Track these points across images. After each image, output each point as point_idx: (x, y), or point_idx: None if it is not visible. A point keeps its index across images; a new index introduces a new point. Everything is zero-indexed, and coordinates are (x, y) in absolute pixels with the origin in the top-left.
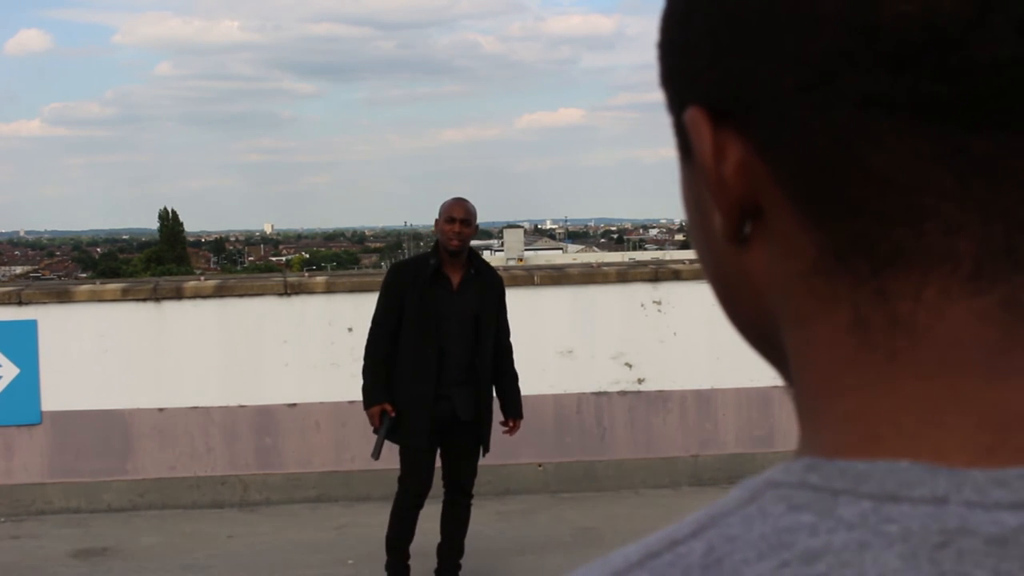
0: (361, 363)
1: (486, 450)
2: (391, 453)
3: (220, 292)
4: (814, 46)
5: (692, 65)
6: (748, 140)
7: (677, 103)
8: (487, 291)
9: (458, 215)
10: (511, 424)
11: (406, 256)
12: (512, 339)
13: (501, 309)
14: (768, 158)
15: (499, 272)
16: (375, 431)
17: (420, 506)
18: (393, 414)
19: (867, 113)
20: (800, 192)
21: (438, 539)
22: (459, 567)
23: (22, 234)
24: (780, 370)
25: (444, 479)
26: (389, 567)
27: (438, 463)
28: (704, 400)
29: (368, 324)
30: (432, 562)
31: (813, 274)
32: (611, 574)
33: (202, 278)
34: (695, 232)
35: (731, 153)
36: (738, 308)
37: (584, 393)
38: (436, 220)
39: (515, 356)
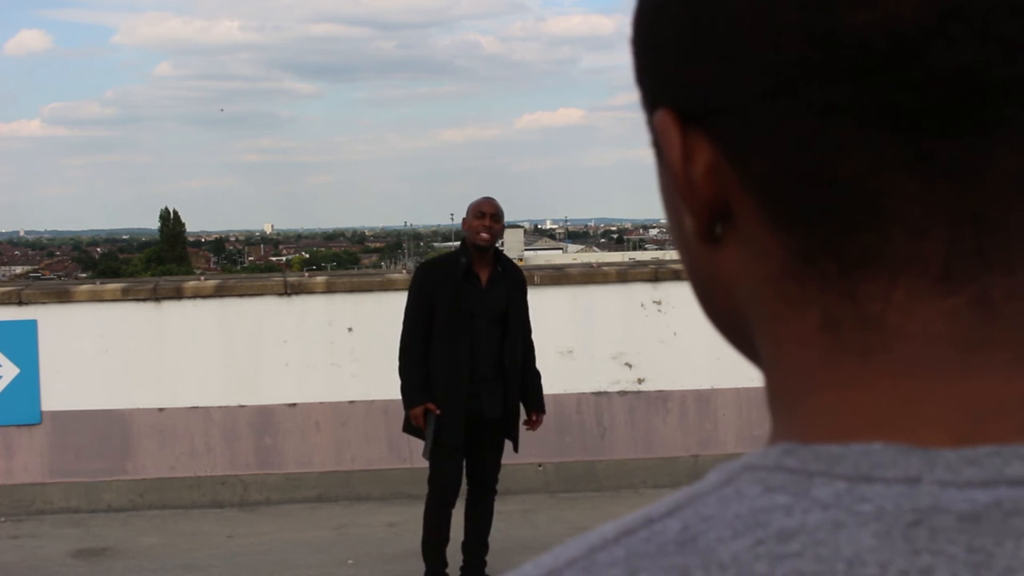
0: (359, 364)
1: (515, 447)
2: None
3: (220, 292)
4: (776, 55)
5: (660, 68)
6: (716, 144)
7: (649, 102)
8: (514, 288)
9: (488, 210)
10: (535, 418)
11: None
12: None
13: (526, 307)
14: (735, 163)
15: None
16: (414, 431)
17: (452, 504)
18: (438, 412)
19: (830, 121)
20: (767, 197)
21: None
22: (485, 563)
23: (22, 234)
24: (756, 364)
25: (468, 475)
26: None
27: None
28: (704, 400)
29: (368, 325)
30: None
31: (782, 276)
32: (587, 550)
33: (202, 278)
34: (672, 229)
35: (700, 156)
36: (713, 305)
37: (584, 393)
38: (464, 219)
39: (520, 353)
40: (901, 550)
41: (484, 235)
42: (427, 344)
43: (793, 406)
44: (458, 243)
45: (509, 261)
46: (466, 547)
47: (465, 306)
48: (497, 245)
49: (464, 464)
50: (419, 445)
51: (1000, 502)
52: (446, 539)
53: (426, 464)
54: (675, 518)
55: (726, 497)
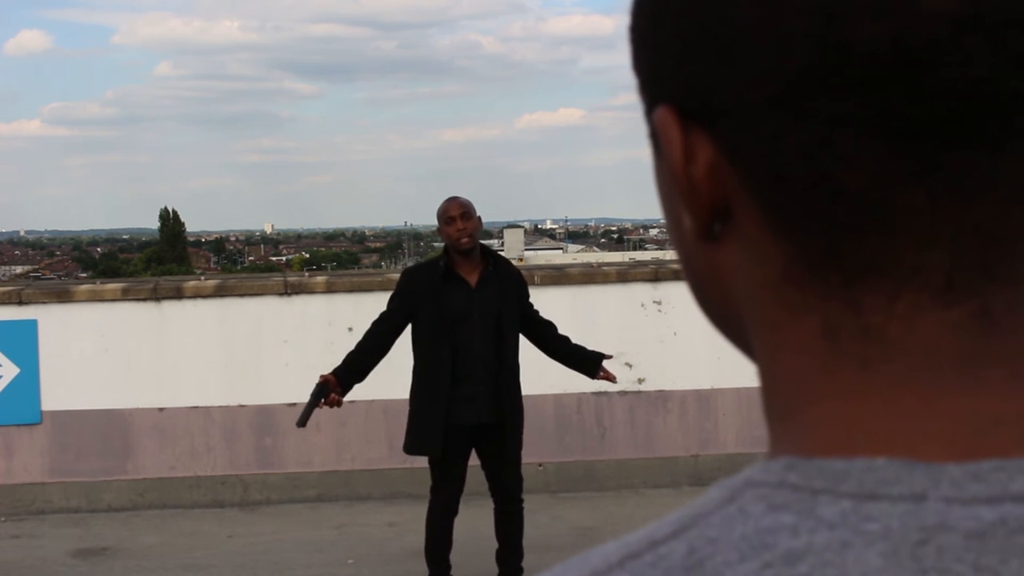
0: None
1: (514, 451)
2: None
3: (220, 292)
4: (784, 63)
5: (661, 63)
6: (718, 144)
7: (647, 95)
8: (507, 287)
9: (455, 212)
10: (605, 372)
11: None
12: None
13: (524, 299)
14: (737, 165)
15: None
16: (418, 451)
17: (455, 512)
18: (324, 382)
19: (838, 131)
20: (769, 202)
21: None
22: (521, 570)
23: (22, 234)
24: (752, 359)
25: (490, 487)
26: None
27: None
28: (704, 400)
29: (367, 325)
30: (461, 564)
31: (783, 282)
32: (591, 574)
33: (202, 278)
34: (669, 223)
35: (701, 155)
36: (709, 303)
37: (584, 393)
38: (438, 228)
39: (515, 355)
40: (909, 570)
41: (464, 240)
42: (386, 342)
43: (792, 416)
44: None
45: (502, 259)
46: (500, 556)
47: (450, 311)
48: (498, 245)
49: (466, 472)
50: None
51: (1005, 520)
52: (449, 545)
53: (427, 465)
54: (680, 540)
55: (730, 516)
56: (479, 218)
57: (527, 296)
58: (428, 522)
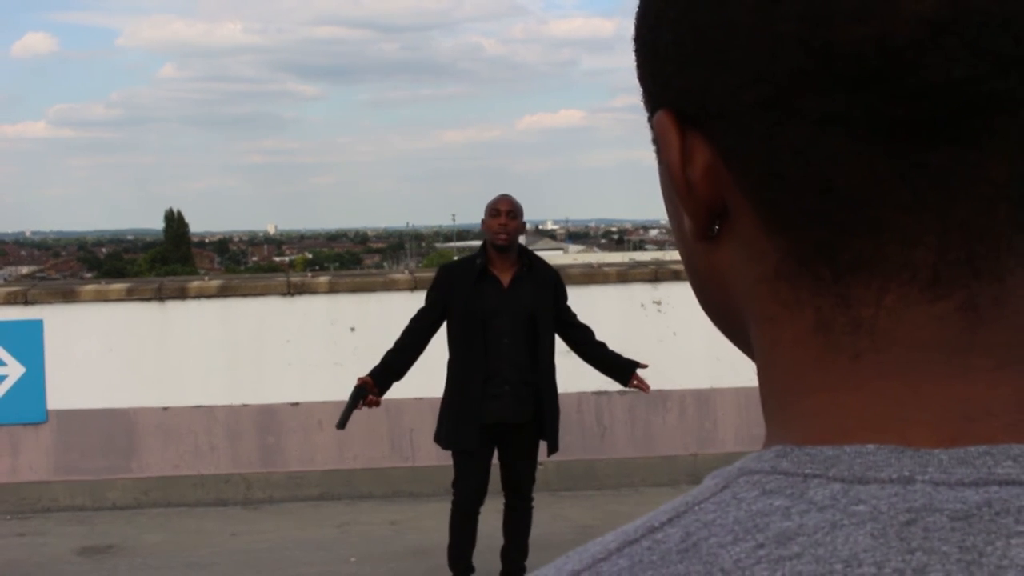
0: (361, 363)
1: (553, 449)
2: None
3: (224, 292)
4: (773, 65)
5: (661, 70)
6: (714, 146)
7: (650, 101)
8: (541, 288)
9: (503, 207)
10: (638, 380)
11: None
12: None
13: (560, 301)
14: (732, 166)
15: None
16: (446, 443)
17: (476, 511)
18: (362, 384)
19: (826, 131)
20: (762, 201)
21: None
22: (524, 569)
23: (28, 234)
24: (751, 357)
25: (502, 481)
26: None
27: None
28: (703, 399)
29: (371, 324)
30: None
31: (776, 278)
32: (591, 561)
33: (206, 278)
34: (672, 224)
35: (698, 157)
36: (710, 301)
37: (584, 392)
38: (483, 220)
39: (551, 356)
40: (896, 549)
41: (502, 236)
42: (422, 339)
43: (787, 407)
44: (462, 243)
45: (538, 260)
46: (504, 554)
47: (481, 308)
48: (522, 242)
49: (490, 469)
50: (421, 444)
51: (991, 502)
52: (471, 544)
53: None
54: (676, 525)
55: (724, 502)
56: (524, 223)
57: (564, 299)
58: (451, 521)
